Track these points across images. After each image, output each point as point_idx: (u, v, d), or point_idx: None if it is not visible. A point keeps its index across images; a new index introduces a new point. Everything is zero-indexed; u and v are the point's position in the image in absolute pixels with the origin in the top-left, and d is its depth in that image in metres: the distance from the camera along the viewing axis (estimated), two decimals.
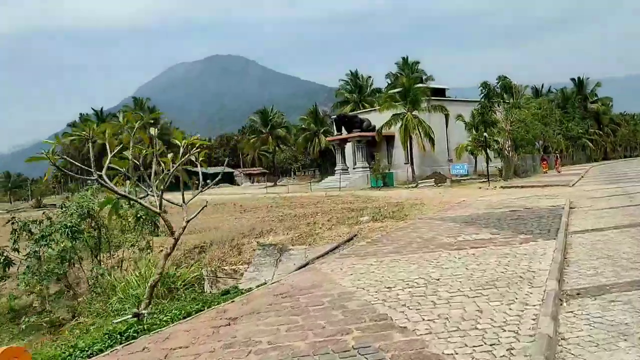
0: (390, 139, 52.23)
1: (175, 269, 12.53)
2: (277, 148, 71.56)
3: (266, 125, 68.75)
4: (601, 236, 9.41)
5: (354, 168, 54.01)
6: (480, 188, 26.67)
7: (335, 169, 58.25)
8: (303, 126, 72.39)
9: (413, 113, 46.59)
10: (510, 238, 9.16)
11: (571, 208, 14.68)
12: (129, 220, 13.98)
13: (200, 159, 8.22)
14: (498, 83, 31.72)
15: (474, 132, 36.95)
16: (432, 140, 45.07)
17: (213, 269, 11.73)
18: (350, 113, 59.55)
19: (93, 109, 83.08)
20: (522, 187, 24.53)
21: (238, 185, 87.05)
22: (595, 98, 76.40)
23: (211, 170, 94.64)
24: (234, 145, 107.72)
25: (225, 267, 11.60)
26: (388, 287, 6.05)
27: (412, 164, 49.62)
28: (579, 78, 75.93)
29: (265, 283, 7.93)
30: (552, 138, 55.10)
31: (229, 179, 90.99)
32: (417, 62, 73.89)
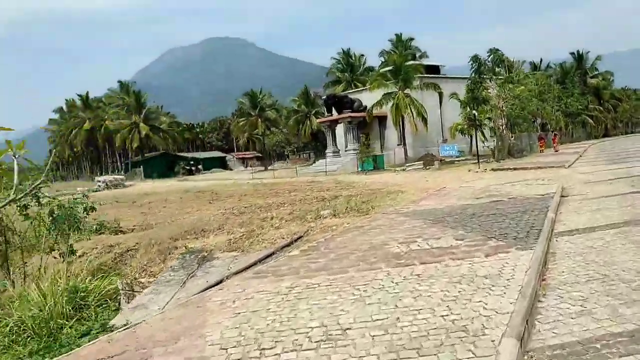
0: (382, 120, 49.95)
1: (89, 280, 10.54)
2: (267, 131, 69.21)
3: (255, 107, 66.29)
4: (595, 240, 7.34)
5: (345, 150, 51.92)
6: (470, 171, 24.55)
7: (327, 151, 56.10)
8: (295, 108, 69.95)
9: (405, 92, 44.37)
10: (476, 246, 7.08)
11: (563, 197, 12.59)
12: (44, 220, 11.89)
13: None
14: (489, 56, 29.12)
15: (468, 109, 34.72)
16: (425, 120, 42.80)
17: (129, 281, 9.73)
18: (341, 93, 57.16)
19: (78, 94, 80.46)
20: (514, 169, 22.41)
21: (231, 169, 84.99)
22: (596, 72, 73.49)
23: (202, 155, 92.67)
24: (227, 128, 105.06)
25: (142, 280, 9.59)
26: (262, 349, 3.98)
27: (404, 145, 47.45)
28: (578, 52, 72.95)
29: (143, 319, 5.88)
30: (550, 115, 52.79)
31: (221, 164, 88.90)
32: (412, 39, 71.08)
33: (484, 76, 28.85)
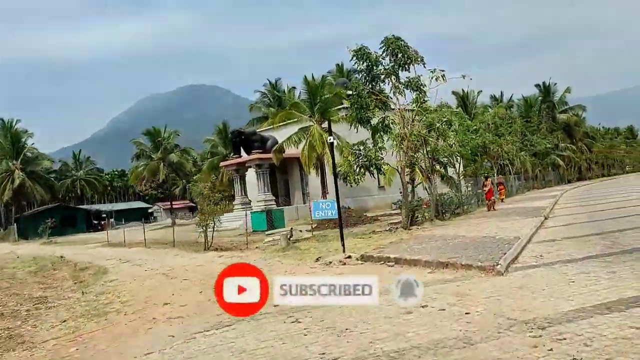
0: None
1: None
2: (175, 176, 56.68)
3: (157, 149, 53.89)
4: None
5: (257, 201, 39.93)
6: (318, 260, 12.27)
7: (234, 203, 43.71)
8: (209, 150, 57.94)
9: (323, 125, 33.09)
10: None
11: None
12: None
13: None
14: (384, 49, 16.91)
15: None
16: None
17: None
18: (249, 129, 45.38)
19: None
20: (394, 263, 10.25)
21: (155, 222, 71.95)
22: (566, 107, 63.66)
23: (117, 206, 79.06)
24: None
25: None
26: None
27: (324, 195, 35.90)
28: (544, 83, 63.24)
29: None
30: (512, 153, 41.48)
31: (143, 216, 75.04)
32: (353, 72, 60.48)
33: (376, 82, 17.02)
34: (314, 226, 24.41)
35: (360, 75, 17.50)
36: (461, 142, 24.19)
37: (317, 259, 12.15)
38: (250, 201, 41.24)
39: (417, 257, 10.09)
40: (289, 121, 37.79)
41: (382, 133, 17.83)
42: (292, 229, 19.52)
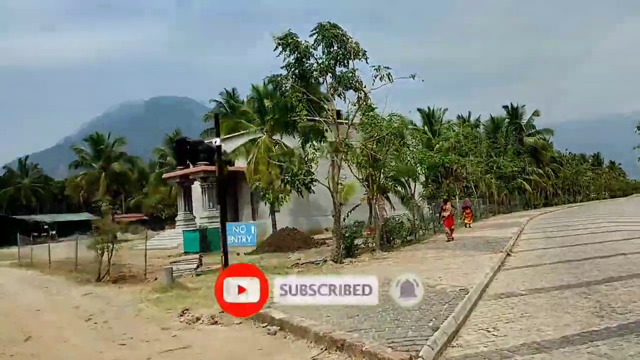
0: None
1: None
2: (119, 188, 51.91)
3: (99, 157, 49.16)
4: None
5: (200, 218, 36.10)
6: (182, 315, 8.55)
7: (177, 219, 39.58)
8: (157, 160, 53.60)
9: (274, 137, 29.86)
10: None
11: None
12: None
13: None
14: (317, 38, 13.59)
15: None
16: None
17: None
18: (196, 139, 41.61)
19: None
20: (277, 328, 6.69)
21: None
22: (533, 130, 61.98)
23: (60, 217, 73.04)
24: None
25: None
26: None
27: (272, 214, 32.47)
28: (511, 105, 61.49)
29: None
30: (477, 175, 38.81)
31: (88, 228, 69.20)
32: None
33: (308, 77, 13.58)
34: (246, 252, 20.76)
35: (288, 69, 14.02)
36: (417, 160, 21.04)
37: (183, 312, 8.44)
38: (194, 217, 37.39)
39: (308, 324, 6.48)
40: (243, 132, 34.22)
41: (313, 142, 14.38)
42: (201, 256, 15.64)
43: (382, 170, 17.14)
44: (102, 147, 48.84)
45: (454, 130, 44.15)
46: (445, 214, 18.97)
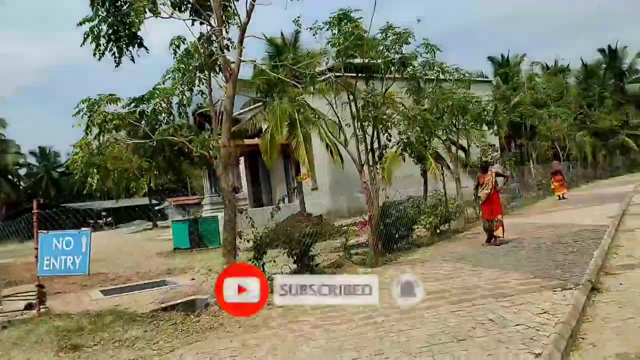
0: (286, 149, 28.81)
1: None
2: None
3: None
4: None
5: (204, 204, 32.62)
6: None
7: (203, 203, 35.61)
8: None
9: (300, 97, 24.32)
10: None
11: None
12: None
13: None
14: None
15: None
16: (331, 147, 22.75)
17: None
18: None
19: None
20: None
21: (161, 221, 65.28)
22: (638, 75, 50.77)
23: (120, 204, 72.53)
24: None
25: None
26: None
27: (301, 192, 28.25)
28: (609, 47, 50.56)
29: None
30: (563, 131, 30.52)
31: (152, 214, 68.33)
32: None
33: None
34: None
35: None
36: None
37: None
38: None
39: None
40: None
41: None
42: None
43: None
44: None
45: (535, 81, 36.07)
46: (484, 192, 11.00)
